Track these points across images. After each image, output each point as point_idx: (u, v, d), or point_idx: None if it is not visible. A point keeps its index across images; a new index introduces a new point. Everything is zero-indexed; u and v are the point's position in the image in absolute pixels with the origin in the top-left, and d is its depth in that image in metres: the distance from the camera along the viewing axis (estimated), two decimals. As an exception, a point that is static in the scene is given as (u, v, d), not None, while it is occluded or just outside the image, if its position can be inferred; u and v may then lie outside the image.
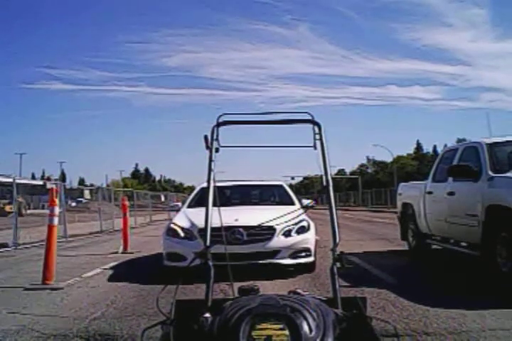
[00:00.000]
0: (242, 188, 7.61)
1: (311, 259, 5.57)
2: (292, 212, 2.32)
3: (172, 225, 5.78)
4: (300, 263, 5.48)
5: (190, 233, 5.47)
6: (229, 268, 2.15)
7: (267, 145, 2.75)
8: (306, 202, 6.93)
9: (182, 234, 5.55)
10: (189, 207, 6.75)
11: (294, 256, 5.44)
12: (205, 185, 7.94)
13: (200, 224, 4.91)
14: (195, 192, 7.39)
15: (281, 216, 2.52)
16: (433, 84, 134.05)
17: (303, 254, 5.51)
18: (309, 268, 5.61)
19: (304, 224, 5.68)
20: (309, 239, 5.61)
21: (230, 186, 7.44)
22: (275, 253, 5.36)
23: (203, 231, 4.65)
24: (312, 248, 5.60)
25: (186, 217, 5.88)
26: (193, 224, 5.54)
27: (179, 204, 7.86)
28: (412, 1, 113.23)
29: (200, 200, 6.62)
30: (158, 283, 4.70)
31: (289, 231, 5.47)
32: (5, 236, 10.43)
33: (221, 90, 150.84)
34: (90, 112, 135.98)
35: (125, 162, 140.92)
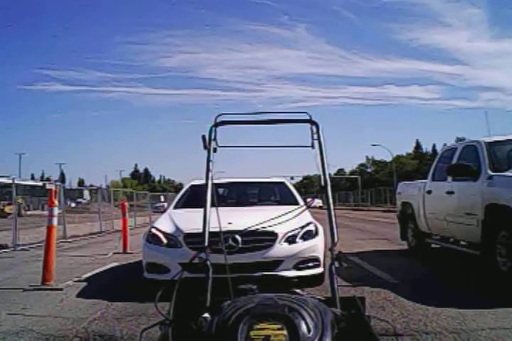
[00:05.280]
0: (239, 186, 6.70)
1: (319, 270, 4.69)
2: (291, 211, 2.18)
3: (153, 230, 4.96)
4: (306, 276, 4.63)
5: (175, 239, 4.68)
6: (227, 266, 2.14)
7: (265, 146, 2.76)
8: (316, 201, 5.65)
9: (165, 241, 4.75)
10: (175, 208, 5.97)
11: (299, 266, 4.62)
12: (195, 182, 7.59)
13: (187, 228, 4.63)
14: (183, 190, 6.55)
15: (281, 215, 2.45)
16: (431, 83, 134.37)
17: (310, 265, 4.66)
18: (317, 281, 4.70)
19: (311, 227, 4.85)
20: (317, 246, 4.76)
21: (224, 184, 6.59)
22: (277, 263, 4.54)
23: (190, 237, 4.54)
24: (321, 257, 4.74)
25: (171, 220, 5.09)
26: (178, 229, 4.76)
27: (165, 204, 7.10)
28: (409, 1, 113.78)
29: (189, 200, 5.95)
30: (157, 283, 4.69)
31: (294, 236, 4.66)
32: (4, 238, 10.43)
33: (220, 90, 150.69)
34: (89, 113, 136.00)
35: (125, 162, 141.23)
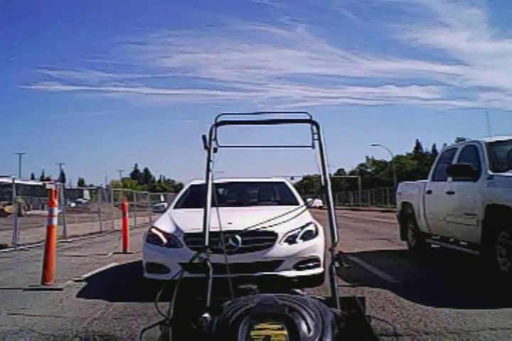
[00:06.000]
0: (239, 186, 6.72)
1: (319, 270, 4.69)
2: (291, 211, 2.16)
3: (153, 230, 4.96)
4: (306, 276, 4.62)
5: (175, 239, 4.67)
6: (227, 266, 2.14)
7: (265, 146, 2.77)
8: (316, 201, 5.87)
9: (165, 241, 4.75)
10: (175, 208, 5.95)
11: (299, 266, 4.61)
12: (195, 182, 7.63)
13: (187, 228, 4.64)
14: (183, 190, 6.54)
15: (281, 215, 2.45)
16: (431, 83, 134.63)
17: (310, 265, 4.66)
18: (317, 281, 4.68)
19: (311, 227, 4.85)
20: (317, 246, 4.75)
21: (224, 184, 6.60)
22: (277, 263, 4.54)
23: (190, 237, 4.55)
24: (321, 257, 4.74)
25: (171, 220, 5.09)
26: (178, 229, 4.76)
27: (165, 204, 7.30)
28: (408, 2, 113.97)
29: (189, 200, 5.95)
30: (157, 283, 4.69)
31: (294, 236, 4.66)
32: (4, 238, 10.43)
33: (220, 91, 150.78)
34: (90, 113, 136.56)
35: (124, 162, 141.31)
